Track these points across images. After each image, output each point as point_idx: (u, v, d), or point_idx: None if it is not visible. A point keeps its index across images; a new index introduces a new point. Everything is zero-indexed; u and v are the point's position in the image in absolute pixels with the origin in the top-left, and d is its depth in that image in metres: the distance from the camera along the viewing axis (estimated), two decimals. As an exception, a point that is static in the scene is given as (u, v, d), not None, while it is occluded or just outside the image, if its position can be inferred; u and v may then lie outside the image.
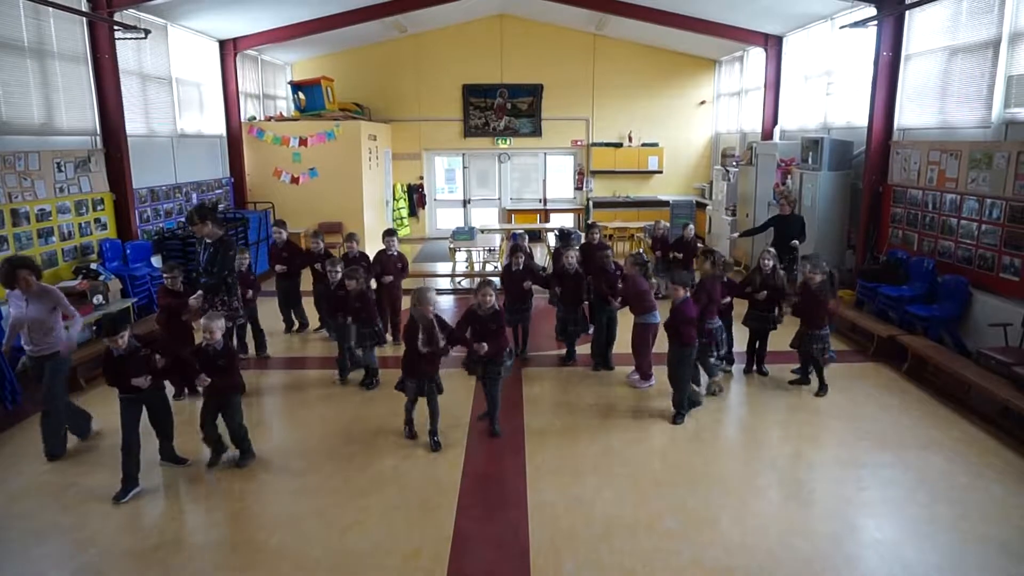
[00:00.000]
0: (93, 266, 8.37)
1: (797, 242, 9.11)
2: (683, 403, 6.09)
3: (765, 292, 6.80)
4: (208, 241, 6.45)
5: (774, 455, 5.48)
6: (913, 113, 8.84)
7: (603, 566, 4.05)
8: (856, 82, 10.19)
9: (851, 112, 10.36)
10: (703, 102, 16.61)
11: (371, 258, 8.41)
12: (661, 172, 16.58)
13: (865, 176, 9.40)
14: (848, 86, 10.51)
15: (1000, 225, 7.11)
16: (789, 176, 10.81)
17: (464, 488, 4.99)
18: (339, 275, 7.05)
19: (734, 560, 4.08)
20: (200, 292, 6.42)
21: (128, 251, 9.19)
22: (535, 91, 16.41)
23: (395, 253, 8.30)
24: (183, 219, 11.02)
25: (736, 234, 10.87)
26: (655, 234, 10.12)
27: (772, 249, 6.97)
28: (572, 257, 7.25)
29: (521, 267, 7.36)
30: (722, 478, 5.07)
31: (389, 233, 8.45)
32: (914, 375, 7.09)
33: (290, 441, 5.84)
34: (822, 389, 6.65)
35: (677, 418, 6.05)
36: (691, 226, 9.64)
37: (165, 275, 6.57)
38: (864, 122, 9.42)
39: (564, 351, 7.81)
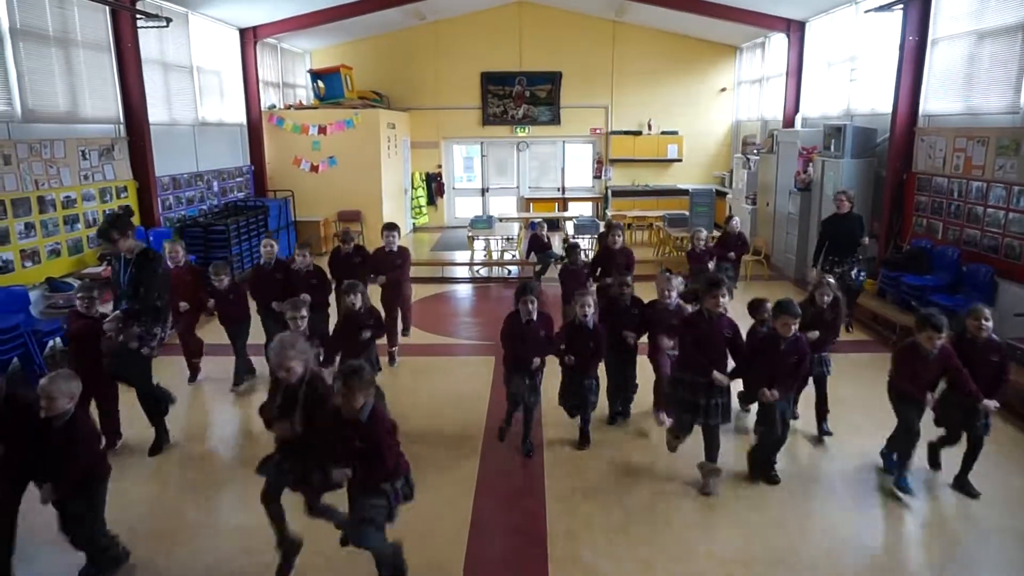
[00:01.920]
0: (117, 253, 8.48)
1: (867, 239, 8.17)
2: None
3: (816, 332, 5.23)
4: (128, 257, 5.17)
5: (792, 441, 5.45)
6: (939, 99, 8.68)
7: (620, 557, 4.06)
8: (880, 68, 10.01)
9: (875, 99, 10.19)
10: (724, 89, 16.42)
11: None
12: (680, 160, 16.44)
13: (889, 164, 9.26)
14: (872, 72, 10.34)
15: (1028, 213, 6.98)
16: (811, 164, 10.67)
17: (482, 477, 5.03)
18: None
19: (753, 550, 4.08)
20: (117, 313, 5.15)
21: (151, 238, 9.30)
22: (554, 79, 16.32)
23: (394, 249, 7.32)
24: (205, 207, 11.15)
25: (815, 268, 8.19)
26: (696, 246, 8.21)
27: (832, 279, 5.51)
28: (588, 306, 5.15)
29: (534, 317, 5.09)
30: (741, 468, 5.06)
31: (388, 228, 7.41)
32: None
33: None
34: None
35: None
36: (736, 218, 8.73)
37: (78, 297, 5.22)
38: (888, 109, 9.26)
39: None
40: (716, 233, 10.09)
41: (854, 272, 7.97)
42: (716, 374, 4.55)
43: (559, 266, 7.35)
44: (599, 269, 7.26)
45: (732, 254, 8.38)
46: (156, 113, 9.76)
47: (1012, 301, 6.97)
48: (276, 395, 3.65)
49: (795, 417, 5.66)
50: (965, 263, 7.82)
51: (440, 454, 5.34)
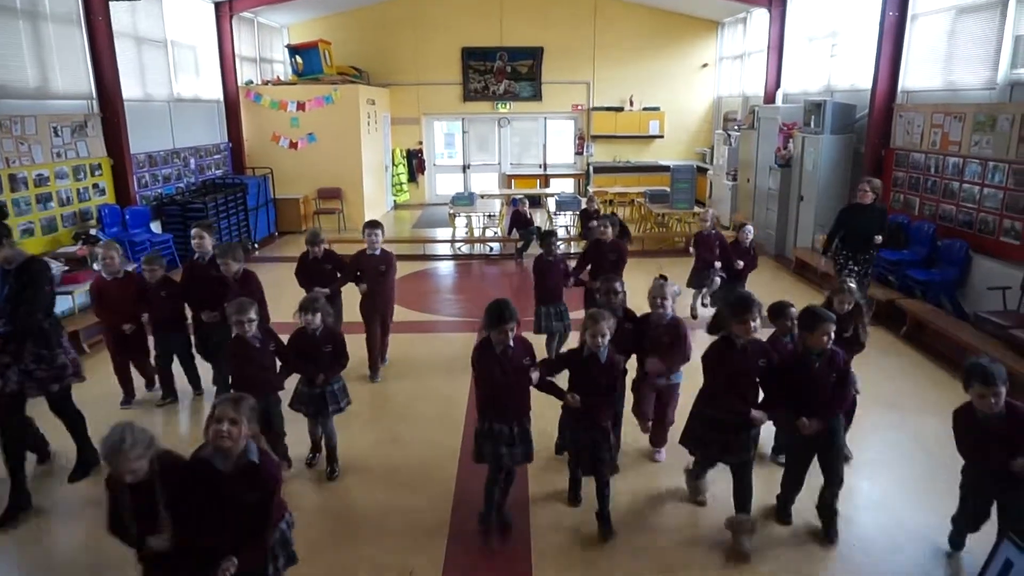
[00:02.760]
0: (92, 232, 8.37)
1: (880, 238, 7.01)
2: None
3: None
4: (7, 268, 4.18)
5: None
6: (918, 75, 8.74)
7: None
8: (861, 44, 10.04)
9: (855, 75, 10.23)
10: (705, 65, 16.39)
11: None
12: (662, 137, 16.43)
13: (867, 140, 9.33)
14: (852, 48, 10.36)
15: (1002, 188, 7.08)
16: (791, 140, 10.72)
17: (465, 449, 5.07)
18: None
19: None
20: None
21: (127, 216, 9.17)
22: (535, 54, 16.18)
23: (377, 252, 6.12)
24: (182, 185, 10.98)
25: (823, 254, 7.78)
26: (707, 233, 7.40)
27: (852, 283, 4.63)
28: (602, 335, 3.83)
29: (510, 353, 3.81)
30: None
31: (371, 226, 6.15)
32: (912, 339, 7.12)
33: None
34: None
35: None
36: (749, 227, 7.28)
37: None
38: (868, 85, 9.31)
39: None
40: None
41: (869, 274, 7.10)
42: (755, 413, 3.78)
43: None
44: (588, 266, 6.27)
45: (740, 263, 7.11)
46: (130, 89, 9.55)
47: (986, 275, 7.10)
48: (121, 502, 2.70)
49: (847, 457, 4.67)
50: (940, 238, 7.94)
51: (423, 430, 5.36)
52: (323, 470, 4.71)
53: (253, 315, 4.29)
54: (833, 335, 3.71)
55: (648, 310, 4.54)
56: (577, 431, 4.01)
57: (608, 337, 3.85)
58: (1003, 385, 3.20)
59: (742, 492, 3.89)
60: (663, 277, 4.61)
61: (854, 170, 9.83)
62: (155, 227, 9.88)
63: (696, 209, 12.02)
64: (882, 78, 8.98)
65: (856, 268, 7.04)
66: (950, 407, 3.73)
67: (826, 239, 7.40)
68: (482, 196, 13.73)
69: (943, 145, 8.02)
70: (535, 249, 11.20)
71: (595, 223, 6.46)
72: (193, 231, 5.78)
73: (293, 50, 14.04)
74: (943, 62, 8.26)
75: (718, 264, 7.15)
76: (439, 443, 5.15)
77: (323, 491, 4.55)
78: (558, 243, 6.34)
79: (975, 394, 3.29)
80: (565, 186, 16.42)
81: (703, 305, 7.71)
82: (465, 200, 12.43)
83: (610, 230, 6.33)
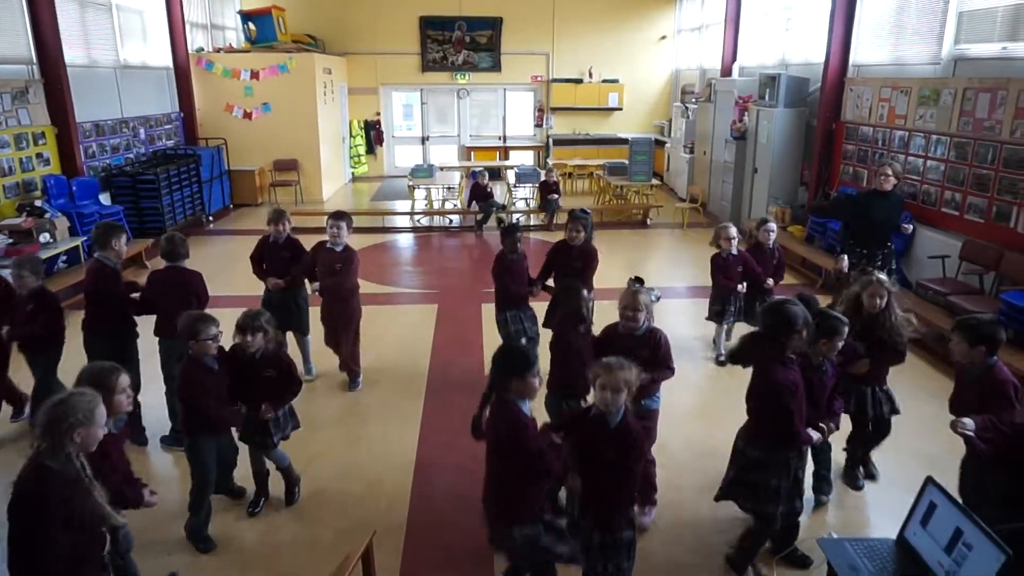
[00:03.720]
0: (38, 203, 8.08)
1: (910, 226, 6.36)
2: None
3: (865, 360, 3.86)
4: None
5: (727, 380, 5.72)
6: (868, 50, 8.95)
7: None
8: (814, 18, 10.21)
9: (808, 49, 10.42)
10: (663, 37, 16.46)
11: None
12: (621, 109, 16.50)
13: (819, 113, 9.54)
14: (806, 22, 10.54)
15: (944, 161, 7.35)
16: (746, 113, 10.90)
17: (427, 410, 5.14)
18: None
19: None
20: None
21: (74, 188, 8.87)
22: (494, 24, 16.01)
23: (339, 248, 5.26)
24: (132, 155, 10.66)
25: (844, 260, 6.27)
26: (723, 250, 5.96)
27: (883, 276, 3.98)
28: (616, 389, 2.78)
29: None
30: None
31: (335, 217, 5.28)
32: (839, 289, 7.36)
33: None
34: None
35: None
36: (771, 224, 6.16)
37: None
38: (821, 59, 9.50)
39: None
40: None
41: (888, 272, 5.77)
42: (813, 434, 3.25)
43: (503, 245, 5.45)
44: (551, 273, 5.40)
45: (771, 282, 6.02)
46: (73, 54, 9.18)
47: (928, 245, 7.39)
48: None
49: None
50: (887, 209, 8.21)
51: (385, 398, 5.41)
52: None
53: (215, 330, 3.64)
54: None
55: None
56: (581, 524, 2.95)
57: (625, 395, 2.78)
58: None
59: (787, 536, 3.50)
60: (638, 280, 3.90)
61: (806, 143, 10.07)
62: (104, 199, 9.59)
63: (682, 205, 12.16)
64: (834, 52, 9.16)
65: (872, 268, 5.74)
66: (892, 368, 3.95)
67: (842, 234, 6.52)
68: (441, 168, 13.65)
69: (890, 119, 8.26)
70: (495, 221, 11.30)
71: (568, 224, 5.34)
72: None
73: (246, 16, 13.63)
74: (892, 37, 8.47)
75: (742, 288, 5.87)
76: (401, 409, 5.21)
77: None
78: (521, 238, 5.42)
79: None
80: (525, 158, 16.41)
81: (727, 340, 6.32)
82: (424, 172, 12.35)
83: (582, 233, 5.23)
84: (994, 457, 2.95)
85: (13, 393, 5.05)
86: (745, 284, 5.88)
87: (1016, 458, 2.90)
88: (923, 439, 4.74)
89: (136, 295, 4.75)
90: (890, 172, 6.08)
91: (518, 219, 11.64)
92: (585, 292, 4.05)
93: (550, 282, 5.39)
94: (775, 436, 3.15)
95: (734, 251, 5.92)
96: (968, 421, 3.04)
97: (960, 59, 7.25)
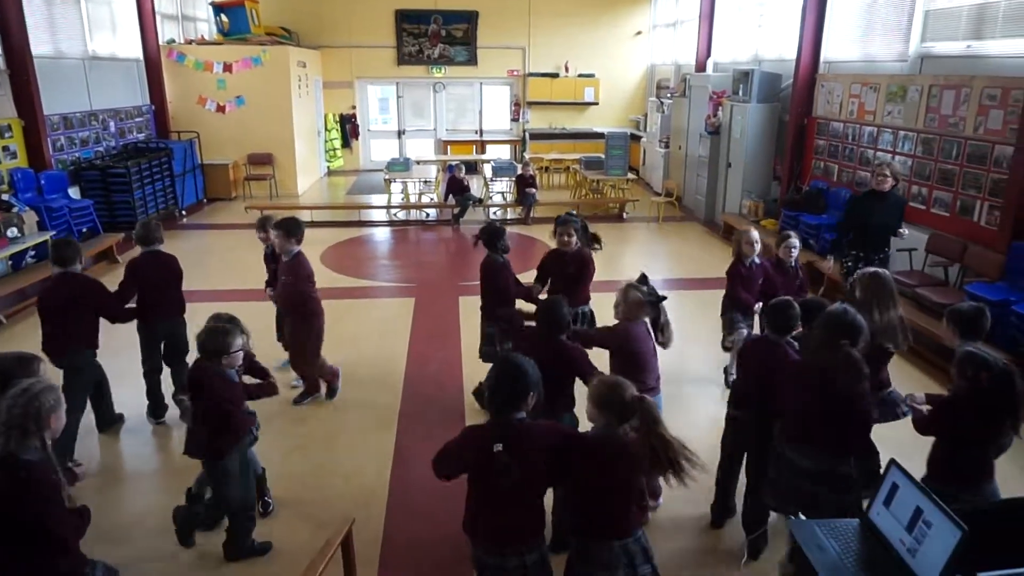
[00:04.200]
0: (5, 197, 7.94)
1: (905, 231, 6.15)
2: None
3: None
4: None
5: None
6: (838, 46, 9.11)
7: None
8: (787, 14, 10.35)
9: (781, 45, 10.56)
10: (639, 33, 16.56)
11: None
12: (597, 104, 16.58)
13: (791, 108, 9.69)
14: (779, 18, 10.68)
15: (911, 156, 7.51)
16: (720, 108, 11.03)
17: (405, 403, 5.15)
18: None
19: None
20: None
21: (43, 181, 8.72)
22: (470, 18, 15.98)
23: (287, 257, 4.87)
24: (102, 149, 10.48)
25: (829, 258, 6.48)
26: (744, 255, 5.13)
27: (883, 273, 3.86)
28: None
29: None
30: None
31: (264, 226, 5.19)
32: (829, 298, 7.53)
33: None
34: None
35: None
36: (793, 237, 5.25)
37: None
38: (793, 55, 9.63)
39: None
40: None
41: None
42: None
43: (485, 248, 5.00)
44: (547, 282, 4.96)
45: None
46: (39, 44, 8.99)
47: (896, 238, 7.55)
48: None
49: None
50: (856, 203, 8.37)
51: (363, 391, 5.41)
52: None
53: (241, 340, 3.47)
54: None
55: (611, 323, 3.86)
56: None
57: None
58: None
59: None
60: (643, 279, 3.85)
61: (779, 138, 10.22)
62: (73, 193, 9.43)
63: (658, 199, 12.24)
64: (806, 49, 9.31)
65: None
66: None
67: (836, 237, 6.34)
68: (418, 162, 13.61)
69: (860, 114, 8.42)
70: (472, 215, 11.32)
71: (557, 229, 4.88)
72: None
73: (218, 8, 13.44)
74: (861, 34, 8.63)
75: (759, 306, 5.01)
76: (378, 402, 5.23)
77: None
78: (506, 238, 4.94)
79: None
80: (501, 152, 16.43)
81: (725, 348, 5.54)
82: (401, 166, 12.31)
83: (574, 238, 4.79)
84: (923, 430, 3.16)
85: None
86: (761, 305, 4.83)
87: (940, 429, 3.09)
88: (891, 426, 4.86)
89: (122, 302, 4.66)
90: (888, 172, 5.83)
91: (496, 219, 11.71)
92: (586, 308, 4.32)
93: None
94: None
95: (757, 259, 5.14)
96: (920, 395, 3.27)
97: (926, 56, 7.42)
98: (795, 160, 9.73)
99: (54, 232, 8.24)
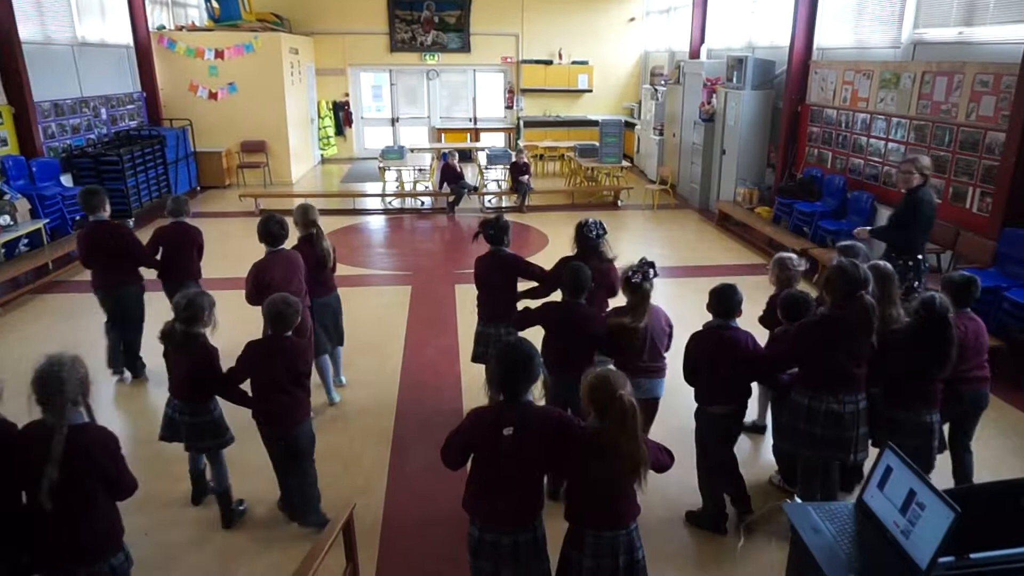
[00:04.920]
0: (-4, 185, 7.89)
1: (867, 229, 5.61)
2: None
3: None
4: None
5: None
6: (831, 33, 9.11)
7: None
8: (780, 1, 10.34)
9: (775, 32, 10.56)
10: (633, 19, 16.50)
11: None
12: (591, 91, 16.54)
13: (785, 95, 9.71)
14: (772, 5, 10.67)
15: (904, 143, 7.55)
16: (714, 95, 11.03)
17: (403, 390, 5.18)
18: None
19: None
20: None
21: (34, 169, 8.66)
22: (463, 4, 15.87)
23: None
24: (94, 136, 10.40)
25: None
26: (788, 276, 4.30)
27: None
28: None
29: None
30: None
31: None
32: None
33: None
34: None
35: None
36: (795, 259, 4.38)
37: None
38: (786, 42, 9.64)
39: None
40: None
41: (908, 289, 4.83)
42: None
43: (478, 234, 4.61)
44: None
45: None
46: (27, 30, 8.90)
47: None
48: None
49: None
50: (850, 190, 8.43)
51: (361, 377, 5.43)
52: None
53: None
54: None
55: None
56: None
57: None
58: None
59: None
60: (649, 264, 3.80)
61: (773, 125, 10.24)
62: (66, 180, 9.37)
63: (653, 186, 12.23)
64: (799, 35, 9.32)
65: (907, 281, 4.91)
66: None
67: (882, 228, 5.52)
68: (412, 150, 13.57)
69: (853, 101, 8.45)
70: (467, 203, 11.31)
71: (593, 236, 4.28)
72: None
73: (208, -7, 13.31)
74: (854, 21, 8.64)
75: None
76: (376, 388, 5.25)
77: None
78: (509, 232, 4.58)
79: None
80: (496, 140, 16.37)
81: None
82: (395, 154, 12.28)
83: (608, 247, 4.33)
84: None
85: None
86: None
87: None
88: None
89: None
90: (913, 168, 5.06)
91: (491, 207, 11.72)
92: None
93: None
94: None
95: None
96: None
97: (919, 43, 7.44)
98: (789, 147, 9.76)
99: (47, 220, 8.20)
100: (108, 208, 5.18)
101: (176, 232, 5.37)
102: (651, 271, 3.72)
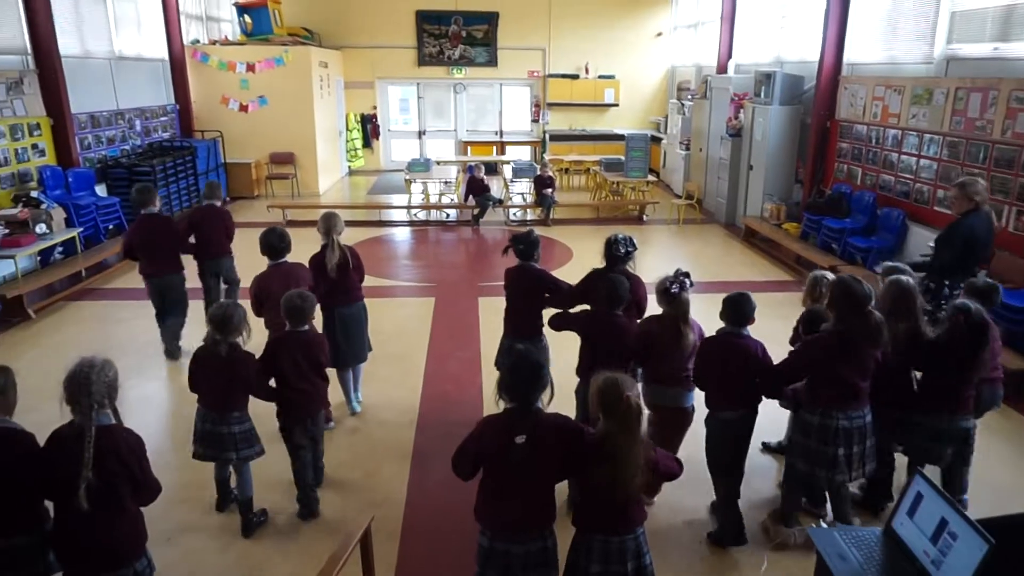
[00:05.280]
0: (34, 194, 8.08)
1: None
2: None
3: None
4: None
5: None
6: (862, 49, 9.01)
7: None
8: (810, 16, 10.26)
9: (804, 47, 10.47)
10: (660, 34, 16.49)
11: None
12: (617, 105, 16.54)
13: (814, 111, 9.60)
14: (802, 20, 10.58)
15: (936, 160, 7.42)
16: (742, 110, 10.95)
17: (424, 402, 5.18)
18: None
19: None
20: None
21: (70, 179, 8.88)
22: (491, 19, 16.01)
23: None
24: (128, 147, 10.64)
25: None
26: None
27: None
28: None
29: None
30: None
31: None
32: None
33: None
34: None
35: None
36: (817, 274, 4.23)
37: None
38: (815, 57, 9.55)
39: None
40: None
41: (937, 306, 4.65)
42: None
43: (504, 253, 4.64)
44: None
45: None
46: (67, 44, 9.15)
47: (920, 243, 7.45)
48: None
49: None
50: (880, 207, 8.29)
51: (382, 389, 5.45)
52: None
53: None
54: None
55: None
56: None
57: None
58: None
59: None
60: (685, 275, 3.82)
61: (801, 140, 10.13)
62: (100, 190, 9.59)
63: (678, 201, 12.18)
64: (828, 51, 9.22)
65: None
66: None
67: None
68: (438, 162, 13.66)
69: (884, 117, 8.33)
70: (491, 216, 11.35)
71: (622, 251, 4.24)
72: None
73: (241, 8, 13.59)
74: (885, 36, 8.53)
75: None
76: (398, 400, 5.26)
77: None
78: (538, 248, 4.55)
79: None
80: (521, 153, 16.43)
81: None
82: (421, 166, 12.37)
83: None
84: None
85: None
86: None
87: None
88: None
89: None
90: (961, 194, 4.90)
91: (516, 220, 11.74)
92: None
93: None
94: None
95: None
96: None
97: (952, 59, 7.32)
98: (818, 163, 9.64)
99: (81, 229, 8.39)
100: (158, 203, 5.84)
101: (208, 213, 6.19)
102: (687, 281, 3.77)
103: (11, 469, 2.54)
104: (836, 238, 8.49)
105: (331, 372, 4.88)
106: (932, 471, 3.54)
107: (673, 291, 3.72)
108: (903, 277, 3.68)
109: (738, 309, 3.56)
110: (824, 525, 2.51)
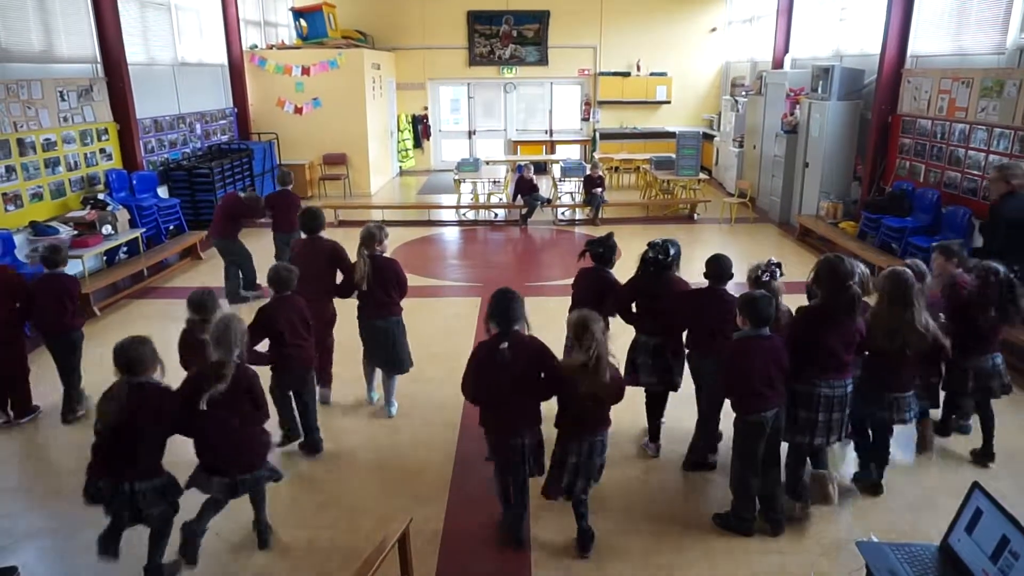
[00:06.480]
0: (100, 196, 8.44)
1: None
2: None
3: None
4: None
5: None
6: (927, 40, 8.63)
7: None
8: (870, 8, 9.89)
9: (864, 40, 10.10)
10: (714, 29, 16.17)
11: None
12: (669, 102, 16.29)
13: (874, 106, 9.25)
14: (862, 12, 10.21)
15: (1007, 155, 7.04)
16: (798, 106, 10.64)
17: (468, 408, 5.19)
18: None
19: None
20: None
21: (135, 181, 9.24)
22: (541, 18, 15.98)
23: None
24: (188, 150, 11.02)
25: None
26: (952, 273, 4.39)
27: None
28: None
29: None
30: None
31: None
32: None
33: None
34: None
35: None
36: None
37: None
38: (877, 50, 9.20)
39: None
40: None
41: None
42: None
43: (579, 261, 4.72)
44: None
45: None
46: (134, 52, 9.54)
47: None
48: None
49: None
50: (945, 205, 7.93)
51: (427, 388, 5.48)
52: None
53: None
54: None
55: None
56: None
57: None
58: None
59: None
60: (777, 264, 4.12)
61: (860, 136, 9.78)
62: (162, 192, 9.96)
63: (731, 199, 11.94)
64: (891, 43, 8.87)
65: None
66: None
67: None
68: (487, 162, 13.71)
69: (950, 111, 7.96)
70: (540, 215, 11.32)
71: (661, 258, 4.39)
72: None
73: (297, 13, 13.92)
74: (953, 27, 8.15)
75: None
76: (443, 400, 5.30)
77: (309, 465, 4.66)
78: (615, 252, 4.66)
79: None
80: (571, 152, 16.35)
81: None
82: (470, 166, 12.43)
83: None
84: None
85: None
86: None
87: None
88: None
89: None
90: (998, 175, 5.22)
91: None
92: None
93: None
94: None
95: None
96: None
97: (1026, 49, 6.94)
98: (878, 160, 9.29)
99: (144, 230, 8.73)
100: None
101: (281, 197, 7.62)
102: (778, 271, 4.02)
103: (162, 419, 3.23)
104: (896, 237, 8.16)
105: (356, 363, 5.09)
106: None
107: (764, 279, 3.95)
108: (900, 268, 3.90)
109: (758, 310, 3.55)
110: (875, 538, 2.41)
